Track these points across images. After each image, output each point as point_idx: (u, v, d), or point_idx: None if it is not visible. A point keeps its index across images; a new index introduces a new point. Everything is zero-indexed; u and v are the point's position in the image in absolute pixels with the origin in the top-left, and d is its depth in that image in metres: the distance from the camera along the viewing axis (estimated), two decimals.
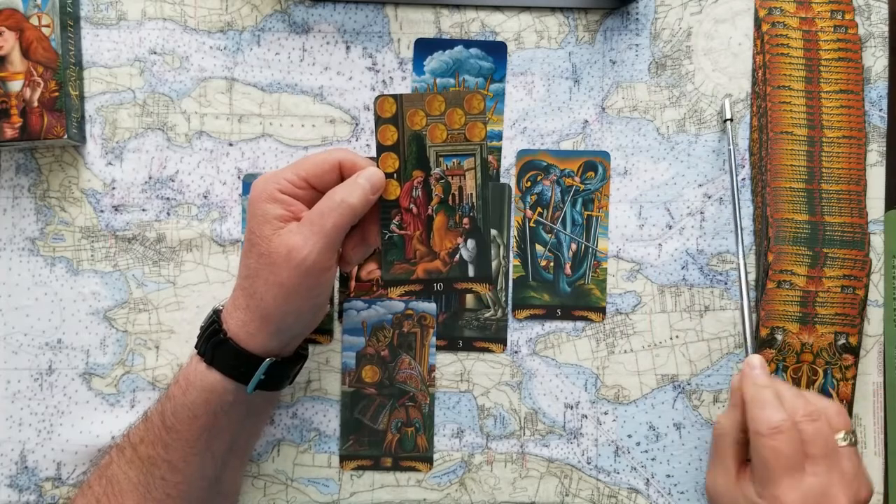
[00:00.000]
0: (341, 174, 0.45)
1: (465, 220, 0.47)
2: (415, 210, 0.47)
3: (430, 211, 0.47)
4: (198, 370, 0.45)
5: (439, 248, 0.47)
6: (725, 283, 0.55)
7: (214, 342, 0.45)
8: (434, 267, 0.47)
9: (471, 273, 0.47)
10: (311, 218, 0.44)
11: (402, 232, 0.47)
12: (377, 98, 0.46)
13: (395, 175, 0.47)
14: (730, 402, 0.48)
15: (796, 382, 0.53)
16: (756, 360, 0.48)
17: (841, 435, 0.45)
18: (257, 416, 0.49)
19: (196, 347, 0.46)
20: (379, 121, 0.46)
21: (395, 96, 0.46)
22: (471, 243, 0.47)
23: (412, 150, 0.47)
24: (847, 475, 0.44)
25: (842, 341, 0.53)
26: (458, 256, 0.47)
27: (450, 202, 0.47)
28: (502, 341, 0.55)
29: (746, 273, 0.52)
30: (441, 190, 0.47)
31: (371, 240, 0.47)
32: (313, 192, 0.45)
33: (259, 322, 0.44)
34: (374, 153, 0.55)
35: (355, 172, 0.45)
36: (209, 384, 0.45)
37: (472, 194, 0.47)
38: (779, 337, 0.53)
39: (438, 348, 0.55)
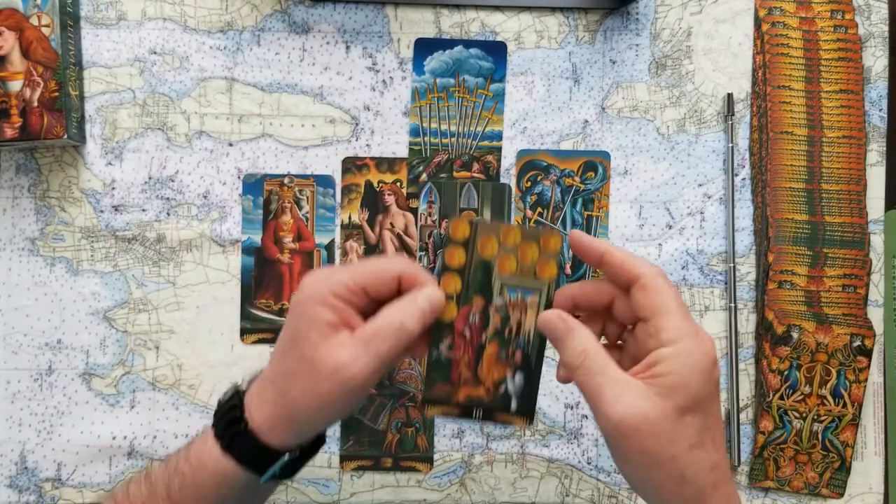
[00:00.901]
0: (399, 285, 0.43)
1: (518, 354, 0.46)
2: (468, 335, 0.46)
3: (483, 339, 0.46)
4: (212, 453, 0.42)
5: (485, 377, 0.46)
6: (725, 283, 0.55)
7: (234, 431, 0.42)
8: (477, 394, 0.46)
9: (513, 407, 0.46)
10: (366, 337, 0.41)
11: (451, 354, 0.46)
12: (451, 219, 0.46)
13: (453, 297, 0.46)
14: (568, 333, 0.42)
15: (809, 382, 0.53)
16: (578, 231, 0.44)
17: None
18: (265, 494, 0.47)
19: (213, 427, 0.43)
20: (449, 241, 0.46)
21: (471, 222, 0.45)
22: (519, 377, 0.46)
23: (477, 277, 0.46)
24: None
25: (857, 343, 0.53)
26: (503, 388, 0.46)
27: (505, 334, 0.46)
28: None
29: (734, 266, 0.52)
30: (499, 321, 0.46)
31: (416, 353, 0.45)
32: (367, 299, 0.43)
33: (286, 421, 0.42)
34: (373, 153, 0.55)
35: (415, 286, 0.43)
36: (222, 469, 0.42)
37: (530, 331, 0.46)
38: (794, 335, 0.53)
39: None
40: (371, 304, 0.42)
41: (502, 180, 0.55)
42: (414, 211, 0.55)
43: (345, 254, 0.55)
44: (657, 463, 0.38)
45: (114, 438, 0.54)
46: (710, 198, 0.55)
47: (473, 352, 0.46)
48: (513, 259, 0.46)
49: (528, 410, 0.46)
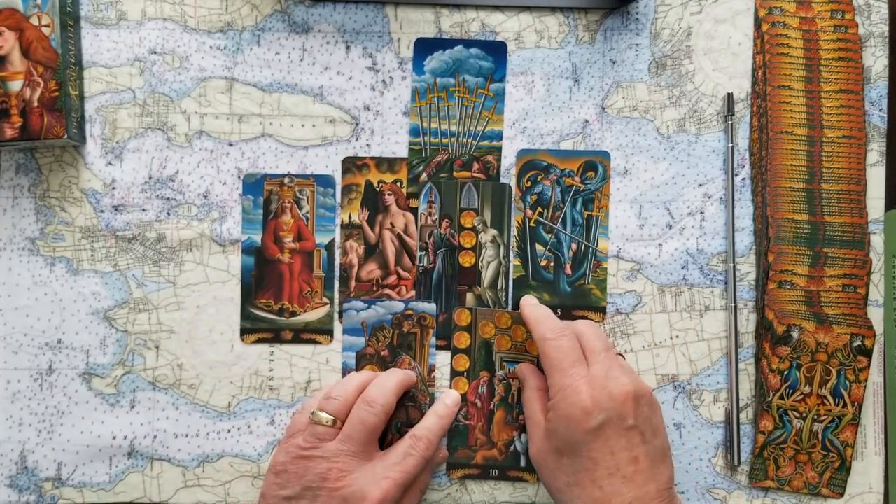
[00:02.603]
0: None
1: (521, 417, 0.54)
2: (479, 404, 0.54)
3: (491, 406, 0.54)
4: None
5: (497, 439, 0.54)
6: (725, 283, 0.55)
7: None
8: (491, 454, 0.54)
9: (522, 463, 0.54)
10: None
11: (467, 422, 0.54)
12: (455, 309, 0.54)
13: (464, 373, 0.54)
14: (525, 382, 0.52)
15: (809, 382, 0.53)
16: (529, 297, 0.54)
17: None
18: None
19: None
20: (455, 328, 0.54)
21: (471, 309, 0.54)
22: (525, 438, 0.54)
23: (481, 355, 0.54)
24: (625, 366, 0.48)
25: (857, 343, 0.53)
26: (512, 447, 0.54)
27: (509, 401, 0.54)
28: None
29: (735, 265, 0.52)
30: (503, 390, 0.54)
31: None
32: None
33: None
34: (373, 153, 0.55)
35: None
36: None
37: None
38: (794, 335, 0.53)
39: (438, 348, 0.55)
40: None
41: (502, 180, 0.55)
42: (414, 211, 0.55)
43: (345, 254, 0.55)
44: (551, 493, 0.48)
45: (114, 438, 0.54)
46: (710, 198, 0.55)
47: (485, 418, 0.54)
48: (507, 338, 0.54)
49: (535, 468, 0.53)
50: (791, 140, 0.54)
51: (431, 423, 0.51)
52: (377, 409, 0.48)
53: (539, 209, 0.55)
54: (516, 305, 0.55)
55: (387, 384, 0.50)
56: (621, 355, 0.52)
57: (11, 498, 0.53)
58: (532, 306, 0.52)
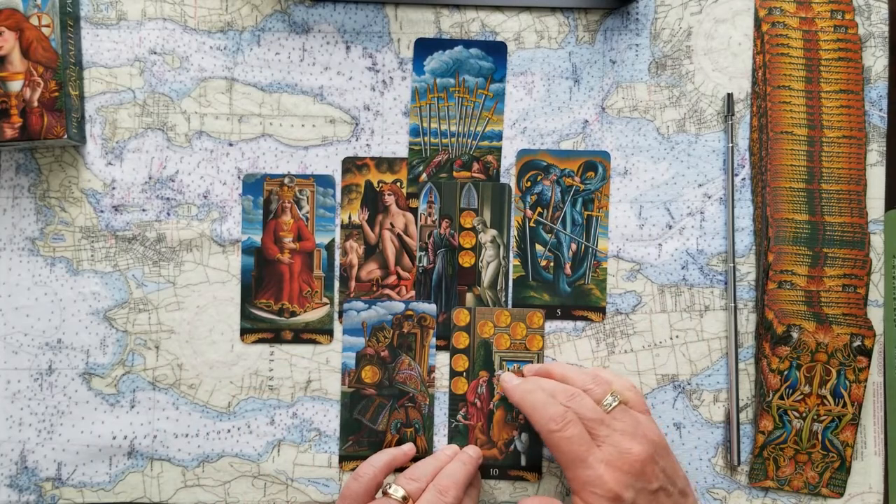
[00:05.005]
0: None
1: (521, 416, 0.54)
2: (479, 404, 0.54)
3: (491, 406, 0.54)
4: None
5: (497, 439, 0.54)
6: (725, 283, 0.55)
7: None
8: (492, 454, 0.54)
9: (522, 462, 0.54)
10: None
11: (467, 422, 0.54)
12: (455, 309, 0.54)
13: (463, 374, 0.54)
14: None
15: (809, 382, 0.53)
16: (507, 375, 0.52)
17: (607, 400, 0.48)
18: None
19: None
20: (454, 328, 0.54)
21: (469, 309, 0.54)
22: (525, 437, 0.54)
23: (480, 354, 0.54)
24: (627, 430, 0.47)
25: (857, 343, 0.53)
26: (512, 447, 0.54)
27: (508, 400, 0.52)
28: None
29: (735, 279, 0.52)
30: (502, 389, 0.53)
31: None
32: None
33: None
34: (373, 153, 0.55)
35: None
36: None
37: None
38: (794, 335, 0.53)
39: (438, 348, 0.55)
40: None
41: (502, 180, 0.55)
42: (414, 211, 0.55)
43: (345, 254, 0.55)
44: None
45: (114, 438, 0.54)
46: (710, 198, 0.55)
47: (485, 418, 0.54)
48: (507, 336, 0.54)
49: (535, 465, 0.54)
50: (791, 140, 0.54)
51: (455, 470, 0.50)
52: (450, 499, 0.48)
53: (539, 209, 0.55)
54: (516, 305, 0.55)
55: (458, 475, 0.49)
56: (617, 403, 0.49)
57: (11, 498, 0.54)
58: (524, 391, 0.49)
